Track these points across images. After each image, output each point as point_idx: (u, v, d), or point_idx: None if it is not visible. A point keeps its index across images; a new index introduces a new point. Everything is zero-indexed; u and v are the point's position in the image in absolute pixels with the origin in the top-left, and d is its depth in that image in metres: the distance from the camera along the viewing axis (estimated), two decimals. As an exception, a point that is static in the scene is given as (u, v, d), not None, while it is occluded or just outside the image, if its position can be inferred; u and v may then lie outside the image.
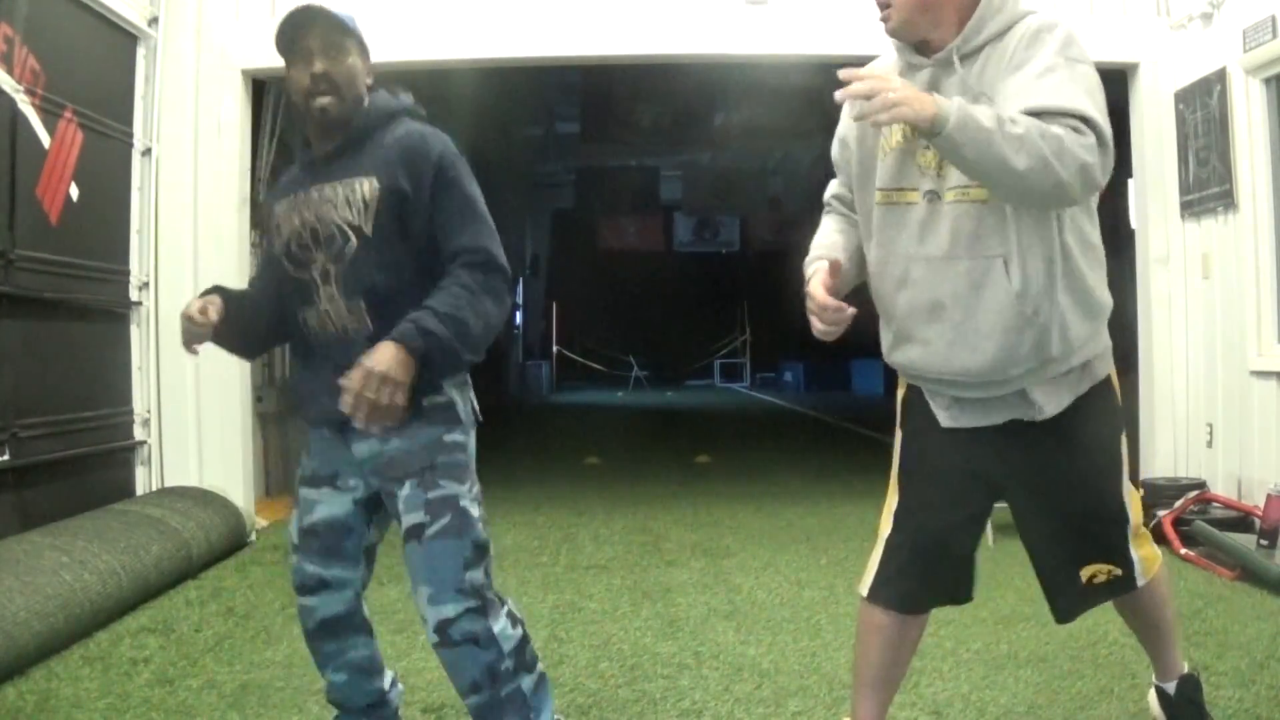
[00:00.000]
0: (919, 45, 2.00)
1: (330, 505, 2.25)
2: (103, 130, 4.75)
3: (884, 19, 1.98)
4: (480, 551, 2.15)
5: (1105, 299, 2.02)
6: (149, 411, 5.14)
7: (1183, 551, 4.36)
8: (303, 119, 2.23)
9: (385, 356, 2.01)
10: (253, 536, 5.11)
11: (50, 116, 4.28)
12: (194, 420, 5.21)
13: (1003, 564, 4.02)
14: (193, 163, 5.17)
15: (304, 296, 2.20)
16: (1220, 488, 4.92)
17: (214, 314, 2.17)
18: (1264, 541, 4.10)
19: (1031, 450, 2.02)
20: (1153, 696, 2.39)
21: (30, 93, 4.11)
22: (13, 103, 4.01)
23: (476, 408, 2.31)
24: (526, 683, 2.19)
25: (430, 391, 2.15)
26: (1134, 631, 2.32)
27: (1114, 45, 5.32)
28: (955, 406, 2.05)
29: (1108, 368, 2.07)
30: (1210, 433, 5.14)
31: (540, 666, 2.26)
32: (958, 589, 2.14)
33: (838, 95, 1.78)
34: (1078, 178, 1.74)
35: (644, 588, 4.13)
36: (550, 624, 3.59)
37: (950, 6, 1.95)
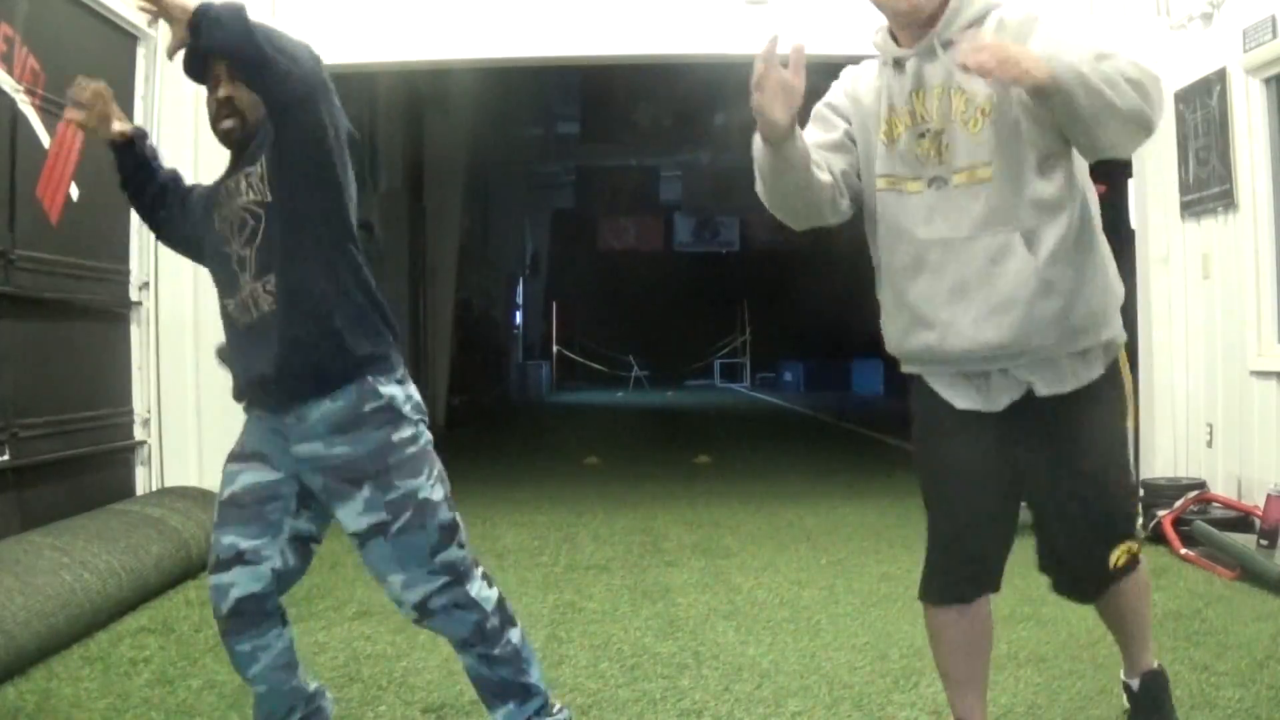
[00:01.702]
0: (901, 34, 2.05)
1: (254, 474, 2.25)
2: (103, 130, 4.75)
3: None
4: (447, 532, 2.22)
5: (1119, 283, 2.08)
6: (149, 411, 5.14)
7: (1183, 551, 4.36)
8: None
9: None
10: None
11: (50, 116, 4.27)
12: (194, 420, 5.20)
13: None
14: (193, 162, 5.16)
15: (226, 288, 2.28)
16: (1220, 488, 4.92)
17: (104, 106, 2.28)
18: (1264, 541, 4.10)
19: (1047, 432, 2.05)
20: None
21: (30, 93, 4.11)
22: (13, 103, 4.01)
23: (418, 399, 2.31)
24: (515, 636, 2.30)
25: (370, 398, 2.19)
26: (1108, 623, 2.32)
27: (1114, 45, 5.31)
28: (968, 387, 2.07)
29: (1118, 350, 2.11)
30: (1210, 433, 5.13)
31: (518, 621, 2.35)
32: (991, 577, 2.15)
33: (969, 63, 1.79)
34: (1158, 113, 1.84)
35: (644, 588, 4.13)
36: (550, 624, 3.59)
37: None
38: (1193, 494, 4.71)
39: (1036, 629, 3.38)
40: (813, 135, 2.11)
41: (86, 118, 2.29)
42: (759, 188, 2.06)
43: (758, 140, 1.97)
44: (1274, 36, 4.58)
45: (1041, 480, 2.09)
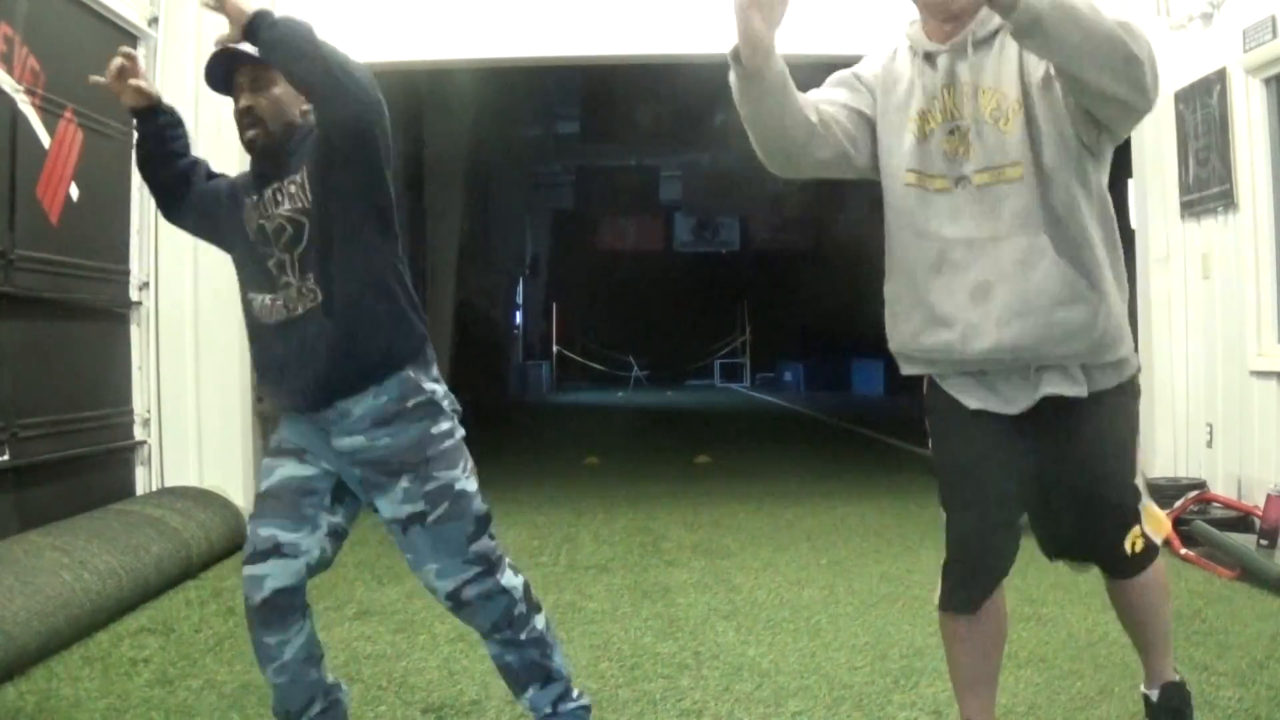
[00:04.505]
0: (930, 27, 2.03)
1: (292, 468, 2.31)
2: (103, 130, 4.75)
3: None
4: (481, 523, 2.31)
5: (1126, 295, 2.07)
6: (149, 411, 5.14)
7: (1183, 551, 4.36)
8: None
9: None
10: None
11: (50, 116, 4.27)
12: (194, 420, 5.20)
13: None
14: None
15: (259, 285, 2.32)
16: (1220, 488, 4.92)
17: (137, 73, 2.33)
18: (1264, 541, 4.10)
19: (1055, 431, 2.04)
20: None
21: (30, 93, 4.11)
22: (13, 103, 4.01)
23: (453, 396, 2.41)
24: (540, 622, 2.39)
25: (413, 393, 2.27)
26: (1127, 628, 2.30)
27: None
28: (978, 388, 2.06)
29: (1136, 364, 2.11)
30: (1210, 433, 5.13)
31: (544, 607, 2.44)
32: (1002, 575, 2.16)
33: None
34: (1146, 56, 1.79)
35: (644, 588, 4.13)
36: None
37: None
38: (1193, 494, 4.71)
39: (1036, 629, 3.38)
40: (828, 92, 2.09)
41: (111, 82, 2.33)
42: (740, 109, 2.00)
43: (732, 60, 1.92)
44: (1274, 36, 4.58)
45: (1046, 475, 2.08)
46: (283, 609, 2.25)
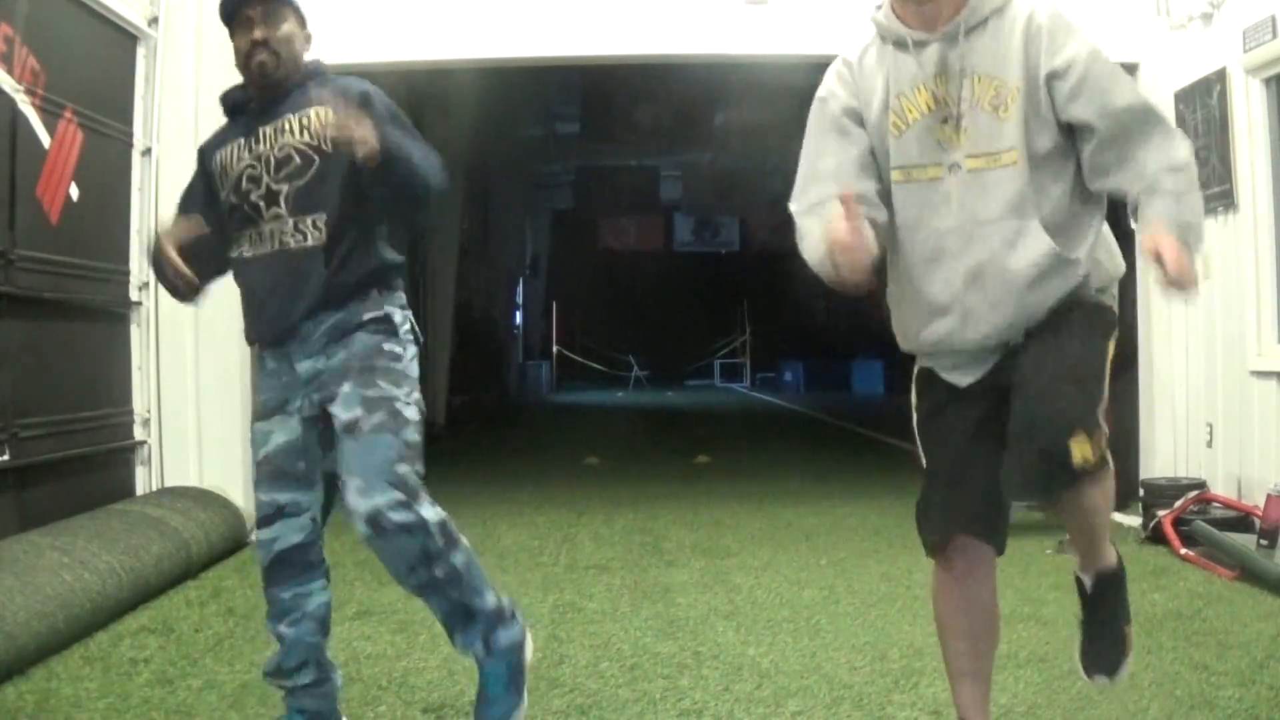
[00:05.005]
0: (908, 13, 2.01)
1: (280, 431, 2.36)
2: (103, 130, 4.75)
3: None
4: (411, 450, 2.29)
5: (1119, 260, 2.09)
6: (149, 411, 5.14)
7: (1183, 551, 4.36)
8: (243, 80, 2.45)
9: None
10: (253, 536, 5.10)
11: (50, 116, 4.27)
12: (194, 420, 5.20)
13: (1002, 565, 4.00)
14: (193, 163, 5.17)
15: (242, 223, 2.37)
16: (1220, 488, 4.92)
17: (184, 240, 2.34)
18: (1264, 541, 4.10)
19: (1024, 350, 2.00)
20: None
21: (30, 93, 4.11)
22: (13, 103, 4.01)
23: (417, 328, 2.47)
24: (459, 558, 2.31)
25: (370, 309, 2.34)
26: (1068, 524, 2.18)
27: (1114, 45, 5.28)
28: (972, 366, 2.06)
29: (1110, 300, 2.07)
30: (1210, 433, 5.13)
31: (466, 543, 2.36)
32: (994, 527, 2.10)
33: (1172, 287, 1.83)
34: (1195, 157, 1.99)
35: (644, 588, 4.13)
36: (550, 624, 3.59)
37: None
38: (1193, 494, 4.71)
39: (1036, 629, 3.38)
40: (838, 151, 2.07)
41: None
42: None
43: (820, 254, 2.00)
44: (1274, 36, 4.58)
45: (1019, 376, 1.97)
46: (295, 564, 2.34)
